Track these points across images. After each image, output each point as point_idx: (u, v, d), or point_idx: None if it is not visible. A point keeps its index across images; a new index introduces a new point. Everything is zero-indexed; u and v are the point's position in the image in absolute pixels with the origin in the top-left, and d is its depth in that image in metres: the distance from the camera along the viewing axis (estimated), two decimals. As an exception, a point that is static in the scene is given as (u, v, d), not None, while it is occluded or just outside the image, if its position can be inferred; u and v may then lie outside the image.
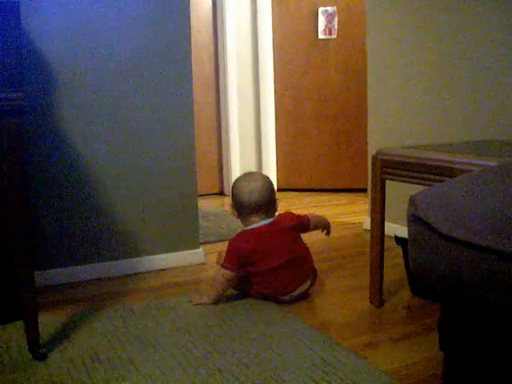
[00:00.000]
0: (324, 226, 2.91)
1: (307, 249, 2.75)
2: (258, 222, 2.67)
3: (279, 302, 2.62)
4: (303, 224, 2.76)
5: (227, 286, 2.62)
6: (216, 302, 2.60)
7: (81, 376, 1.97)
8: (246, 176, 2.79)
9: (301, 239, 2.75)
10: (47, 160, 2.87)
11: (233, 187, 2.76)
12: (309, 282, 2.69)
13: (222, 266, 2.61)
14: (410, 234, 1.51)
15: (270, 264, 2.59)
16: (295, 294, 2.64)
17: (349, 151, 5.39)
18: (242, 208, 2.69)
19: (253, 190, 2.66)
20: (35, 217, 2.85)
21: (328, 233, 2.93)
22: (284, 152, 5.53)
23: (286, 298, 2.63)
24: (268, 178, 2.78)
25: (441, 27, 3.33)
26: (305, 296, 2.70)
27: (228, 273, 2.59)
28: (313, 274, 2.74)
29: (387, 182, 2.47)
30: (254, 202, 2.65)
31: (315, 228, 2.86)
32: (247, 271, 2.62)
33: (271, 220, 2.69)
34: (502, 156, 2.07)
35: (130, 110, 3.03)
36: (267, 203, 2.68)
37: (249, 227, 2.68)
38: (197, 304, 2.60)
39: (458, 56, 3.24)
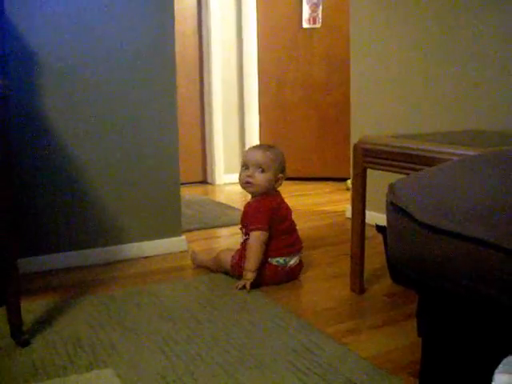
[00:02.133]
0: None
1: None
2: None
3: (274, 275, 2.71)
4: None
5: (263, 250, 2.69)
6: (256, 271, 2.67)
7: (63, 362, 1.98)
8: (263, 145, 3.02)
9: None
10: (31, 149, 2.87)
11: (279, 154, 2.84)
12: (298, 258, 2.81)
13: (255, 228, 2.70)
14: (388, 222, 1.52)
15: (282, 224, 2.77)
16: (288, 262, 2.75)
17: (333, 140, 5.41)
18: (284, 171, 2.85)
19: (274, 158, 2.81)
20: (19, 204, 2.86)
21: None
22: (268, 141, 5.53)
23: (280, 261, 2.73)
24: (279, 150, 2.90)
25: (425, 16, 3.34)
26: (296, 273, 2.80)
27: (264, 233, 2.70)
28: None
29: (370, 171, 2.49)
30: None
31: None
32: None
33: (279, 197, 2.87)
34: (482, 146, 2.09)
35: (113, 99, 3.03)
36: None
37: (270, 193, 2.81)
38: (242, 287, 2.63)
39: (441, 45, 3.26)
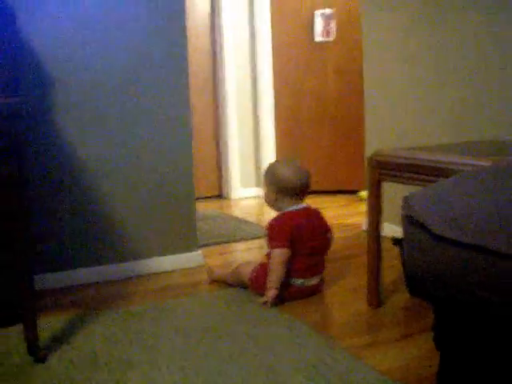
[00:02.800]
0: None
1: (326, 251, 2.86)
2: (296, 205, 2.77)
3: (288, 294, 2.67)
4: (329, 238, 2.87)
5: (284, 267, 2.65)
6: (279, 290, 2.64)
7: (80, 379, 1.98)
8: (287, 161, 2.90)
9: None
10: (46, 165, 2.88)
11: (276, 173, 2.78)
12: (319, 278, 2.77)
13: (275, 246, 2.67)
14: (404, 235, 1.52)
15: (306, 243, 2.70)
16: (306, 283, 2.71)
17: (347, 153, 5.40)
18: (286, 191, 2.74)
19: (301, 173, 2.77)
20: (35, 221, 2.87)
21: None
22: (283, 154, 5.53)
23: (298, 282, 2.69)
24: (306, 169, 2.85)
25: (437, 29, 3.34)
26: (313, 292, 2.76)
27: (284, 250, 2.65)
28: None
29: (386, 183, 2.48)
30: (302, 183, 2.75)
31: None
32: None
33: (305, 206, 2.81)
34: (495, 156, 2.08)
35: (127, 112, 3.04)
36: (308, 187, 2.81)
37: (288, 209, 2.76)
38: (264, 302, 2.62)
39: (454, 58, 3.25)
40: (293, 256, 2.68)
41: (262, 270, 2.73)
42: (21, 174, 2.03)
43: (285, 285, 2.68)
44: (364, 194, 5.08)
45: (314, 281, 2.75)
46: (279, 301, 2.65)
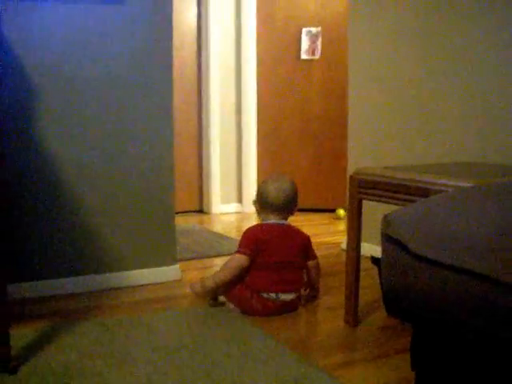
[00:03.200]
0: (313, 284, 2.96)
1: (303, 270, 2.89)
2: (275, 220, 2.88)
3: (262, 307, 2.69)
4: (309, 254, 2.92)
5: (235, 273, 2.75)
6: (215, 288, 2.78)
7: (51, 390, 1.95)
8: (277, 177, 3.01)
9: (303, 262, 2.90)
10: (23, 172, 2.86)
11: (261, 185, 2.97)
12: (294, 295, 2.76)
13: (238, 251, 2.78)
14: (383, 253, 1.51)
15: (271, 257, 2.76)
16: (280, 297, 2.71)
17: (329, 172, 5.41)
18: (265, 205, 2.89)
19: (280, 190, 2.88)
20: (11, 229, 2.84)
21: (307, 294, 2.92)
22: (265, 171, 5.53)
23: (272, 296, 2.70)
24: (294, 184, 2.98)
25: (421, 50, 3.35)
26: (288, 308, 2.75)
27: (243, 257, 2.75)
28: (299, 294, 2.82)
29: (369, 203, 2.48)
30: (279, 201, 2.87)
31: (309, 269, 2.93)
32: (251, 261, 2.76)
33: (285, 223, 2.91)
34: (476, 177, 2.08)
35: (109, 124, 3.02)
36: (289, 205, 2.91)
37: (266, 222, 2.90)
38: (196, 291, 2.82)
39: (438, 79, 3.27)
40: (259, 269, 2.75)
41: (241, 284, 2.77)
42: (2, 181, 2.01)
43: (259, 300, 2.69)
44: (342, 212, 5.10)
45: (288, 296, 2.74)
46: (215, 301, 2.82)
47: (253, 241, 2.78)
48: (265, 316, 2.68)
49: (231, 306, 2.77)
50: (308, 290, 2.92)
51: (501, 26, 2.91)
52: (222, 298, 2.83)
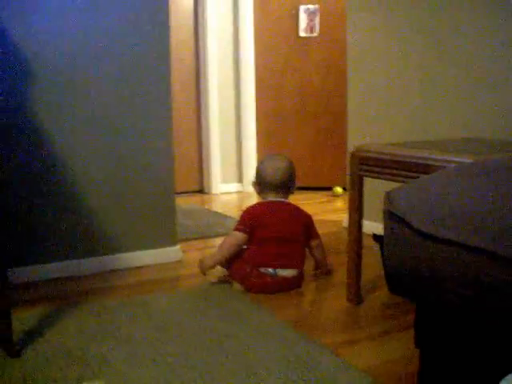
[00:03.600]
0: (320, 263, 2.99)
1: (304, 247, 2.89)
2: (274, 198, 2.92)
3: (261, 283, 2.70)
4: (311, 232, 2.94)
5: (232, 249, 2.80)
6: (214, 266, 2.84)
7: (54, 373, 1.95)
8: (273, 157, 3.03)
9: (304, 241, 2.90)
10: (23, 157, 2.84)
11: (259, 165, 3.01)
12: (295, 272, 2.76)
13: (235, 229, 2.84)
14: (385, 231, 1.49)
15: (270, 232, 2.77)
16: (279, 273, 2.71)
17: (329, 149, 5.40)
18: (264, 184, 2.93)
19: (277, 169, 2.90)
20: (9, 214, 2.82)
21: (320, 272, 2.99)
22: (264, 150, 5.51)
23: (270, 271, 2.71)
24: (292, 163, 3.00)
25: (421, 25, 3.32)
26: (290, 285, 2.75)
27: (239, 234, 2.80)
28: (300, 273, 2.82)
29: (370, 180, 2.47)
30: (276, 180, 2.90)
31: (312, 248, 2.96)
32: (250, 237, 2.80)
33: (285, 201, 2.94)
34: (478, 154, 2.07)
35: (107, 106, 3.00)
36: (287, 184, 2.93)
37: (266, 199, 2.94)
38: (202, 269, 2.84)
39: (438, 54, 3.24)
40: (258, 244, 2.78)
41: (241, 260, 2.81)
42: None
43: (258, 275, 2.71)
44: (339, 189, 5.11)
45: (288, 272, 2.74)
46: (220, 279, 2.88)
47: (249, 217, 2.84)
48: (266, 293, 2.69)
49: (237, 285, 2.78)
50: (318, 271, 2.96)
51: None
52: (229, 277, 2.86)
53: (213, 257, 2.84)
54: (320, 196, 5.14)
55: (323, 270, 2.98)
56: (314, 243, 2.94)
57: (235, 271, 2.80)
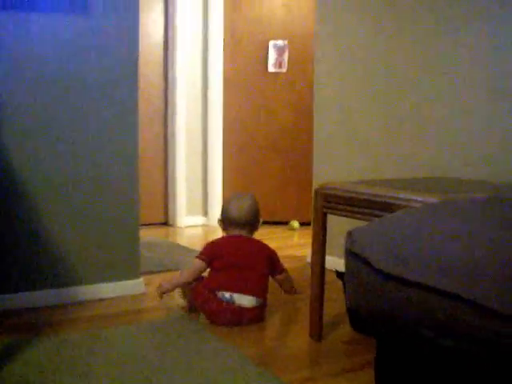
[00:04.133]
0: (289, 288, 3.05)
1: (266, 278, 2.90)
2: (239, 233, 2.98)
3: (218, 310, 2.73)
4: (275, 267, 2.96)
5: (193, 275, 2.88)
6: (171, 289, 2.93)
7: (9, 408, 1.91)
8: (238, 195, 3.11)
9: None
10: (-14, 184, 2.81)
11: (224, 203, 3.10)
12: (253, 301, 2.75)
13: (196, 256, 2.91)
14: (346, 269, 1.50)
15: (227, 261, 2.82)
16: (236, 300, 2.72)
17: (297, 185, 5.41)
18: (229, 222, 2.98)
19: (242, 208, 2.96)
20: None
21: (289, 292, 3.06)
22: (231, 184, 5.52)
23: (226, 297, 2.73)
24: (255, 201, 3.05)
25: (391, 63, 3.37)
26: (249, 316, 2.75)
27: (198, 261, 2.87)
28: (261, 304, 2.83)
29: (334, 216, 2.48)
30: (241, 218, 2.95)
31: (280, 282, 3.01)
32: (210, 266, 2.87)
33: (249, 236, 2.99)
34: (441, 193, 2.09)
35: (72, 134, 2.98)
36: (251, 222, 2.98)
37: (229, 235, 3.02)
38: (159, 291, 2.91)
39: (407, 91, 3.29)
40: (217, 270, 2.83)
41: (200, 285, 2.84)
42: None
43: (216, 301, 2.73)
44: (295, 223, 5.14)
45: (245, 301, 2.74)
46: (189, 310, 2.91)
47: (210, 247, 2.93)
48: (226, 323, 2.70)
49: (202, 316, 2.80)
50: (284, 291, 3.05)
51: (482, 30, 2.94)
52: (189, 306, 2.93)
53: (172, 280, 2.93)
54: (280, 230, 5.15)
55: (290, 291, 3.06)
56: (281, 277, 2.97)
57: (196, 296, 2.83)
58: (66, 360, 2.29)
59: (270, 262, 2.92)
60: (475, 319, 1.17)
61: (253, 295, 2.76)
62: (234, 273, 2.78)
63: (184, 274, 2.91)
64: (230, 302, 2.72)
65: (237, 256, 2.84)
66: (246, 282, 2.78)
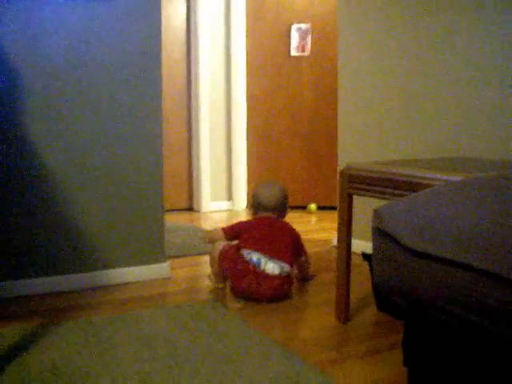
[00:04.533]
0: (305, 274, 3.17)
1: (292, 254, 2.98)
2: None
3: (244, 270, 2.80)
4: (299, 250, 3.08)
5: (215, 241, 3.08)
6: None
7: (38, 389, 1.93)
8: (268, 183, 3.26)
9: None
10: (10, 168, 2.83)
11: (255, 190, 3.22)
12: (279, 268, 2.80)
13: (223, 229, 3.10)
14: (374, 248, 1.49)
15: (257, 232, 2.96)
16: (262, 263, 2.80)
17: (320, 168, 5.40)
18: (259, 207, 3.13)
19: (271, 194, 3.12)
20: (-2, 227, 2.81)
21: (304, 276, 3.19)
22: (254, 169, 5.52)
23: (254, 259, 2.81)
24: (285, 189, 3.20)
25: (411, 46, 3.34)
26: (274, 287, 2.78)
27: (221, 233, 3.06)
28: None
29: (359, 199, 2.46)
30: (269, 203, 3.10)
31: (300, 264, 3.13)
32: (239, 238, 3.00)
33: (267, 216, 3.10)
34: (465, 172, 2.07)
35: (99, 121, 2.99)
36: (280, 207, 3.13)
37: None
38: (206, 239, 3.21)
39: (427, 74, 3.26)
40: (245, 240, 2.95)
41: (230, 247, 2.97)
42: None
43: (242, 262, 2.82)
44: (313, 206, 5.14)
45: (270, 266, 2.79)
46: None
47: (237, 224, 3.13)
48: (247, 288, 2.78)
49: (231, 300, 2.87)
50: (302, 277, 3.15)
51: (494, 22, 2.91)
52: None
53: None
54: (310, 215, 5.15)
55: (305, 279, 3.18)
56: (302, 259, 3.10)
57: (223, 258, 2.92)
58: (92, 343, 2.30)
59: (294, 243, 3.01)
60: (504, 295, 1.16)
61: (279, 260, 2.83)
62: (262, 241, 2.90)
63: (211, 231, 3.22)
64: (256, 265, 2.79)
65: (265, 230, 2.96)
66: (274, 248, 2.87)
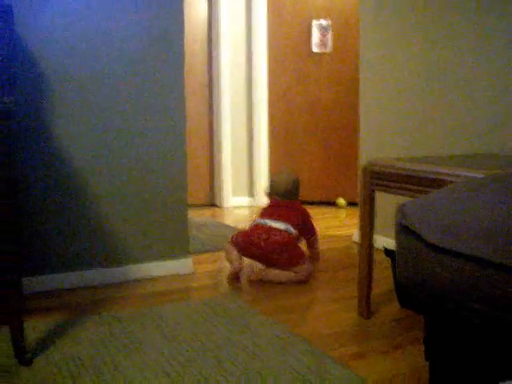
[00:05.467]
0: (315, 255, 3.47)
1: (298, 221, 3.31)
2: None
3: (251, 231, 3.21)
4: (308, 228, 3.39)
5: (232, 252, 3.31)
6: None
7: (65, 381, 1.96)
8: (280, 172, 3.60)
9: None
10: (38, 165, 2.87)
11: (270, 177, 3.73)
12: (283, 224, 3.18)
13: (229, 242, 3.33)
14: (397, 244, 1.50)
15: (268, 205, 3.44)
16: (269, 223, 3.19)
17: (340, 164, 5.40)
18: (273, 191, 3.45)
19: (282, 179, 3.44)
20: (25, 223, 2.85)
21: (314, 255, 3.49)
22: (276, 165, 5.53)
23: (261, 221, 3.24)
24: (295, 175, 3.53)
25: (434, 41, 3.34)
26: (275, 240, 3.10)
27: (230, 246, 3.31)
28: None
29: (381, 196, 2.47)
30: (281, 186, 3.41)
31: (310, 243, 3.46)
32: None
33: (285, 201, 3.40)
34: (488, 168, 2.08)
35: (122, 117, 3.02)
36: (290, 191, 3.42)
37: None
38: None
39: (449, 70, 3.26)
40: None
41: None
42: (10, 175, 2.01)
43: (250, 226, 3.32)
44: (342, 201, 5.14)
45: (279, 224, 3.17)
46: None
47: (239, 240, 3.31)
48: (256, 242, 3.11)
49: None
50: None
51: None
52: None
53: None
54: (330, 210, 5.15)
55: (316, 259, 3.45)
56: (312, 238, 3.44)
57: (236, 235, 3.27)
58: (117, 336, 2.34)
59: (304, 218, 3.35)
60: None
61: (284, 222, 3.19)
62: (271, 212, 3.28)
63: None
64: (263, 223, 3.19)
65: (275, 207, 3.34)
66: (280, 216, 3.23)
